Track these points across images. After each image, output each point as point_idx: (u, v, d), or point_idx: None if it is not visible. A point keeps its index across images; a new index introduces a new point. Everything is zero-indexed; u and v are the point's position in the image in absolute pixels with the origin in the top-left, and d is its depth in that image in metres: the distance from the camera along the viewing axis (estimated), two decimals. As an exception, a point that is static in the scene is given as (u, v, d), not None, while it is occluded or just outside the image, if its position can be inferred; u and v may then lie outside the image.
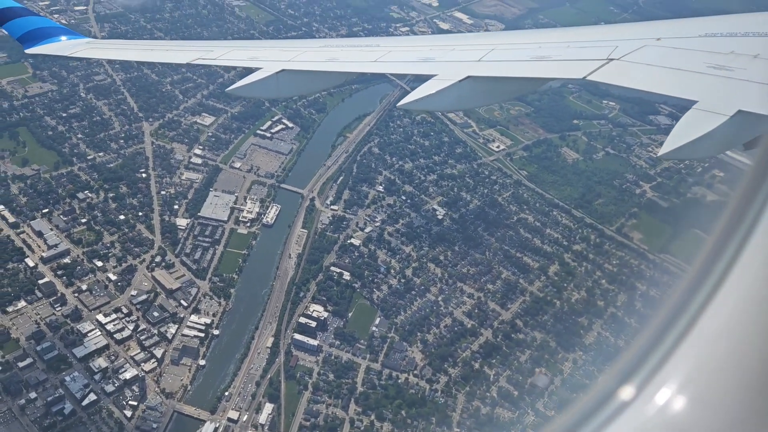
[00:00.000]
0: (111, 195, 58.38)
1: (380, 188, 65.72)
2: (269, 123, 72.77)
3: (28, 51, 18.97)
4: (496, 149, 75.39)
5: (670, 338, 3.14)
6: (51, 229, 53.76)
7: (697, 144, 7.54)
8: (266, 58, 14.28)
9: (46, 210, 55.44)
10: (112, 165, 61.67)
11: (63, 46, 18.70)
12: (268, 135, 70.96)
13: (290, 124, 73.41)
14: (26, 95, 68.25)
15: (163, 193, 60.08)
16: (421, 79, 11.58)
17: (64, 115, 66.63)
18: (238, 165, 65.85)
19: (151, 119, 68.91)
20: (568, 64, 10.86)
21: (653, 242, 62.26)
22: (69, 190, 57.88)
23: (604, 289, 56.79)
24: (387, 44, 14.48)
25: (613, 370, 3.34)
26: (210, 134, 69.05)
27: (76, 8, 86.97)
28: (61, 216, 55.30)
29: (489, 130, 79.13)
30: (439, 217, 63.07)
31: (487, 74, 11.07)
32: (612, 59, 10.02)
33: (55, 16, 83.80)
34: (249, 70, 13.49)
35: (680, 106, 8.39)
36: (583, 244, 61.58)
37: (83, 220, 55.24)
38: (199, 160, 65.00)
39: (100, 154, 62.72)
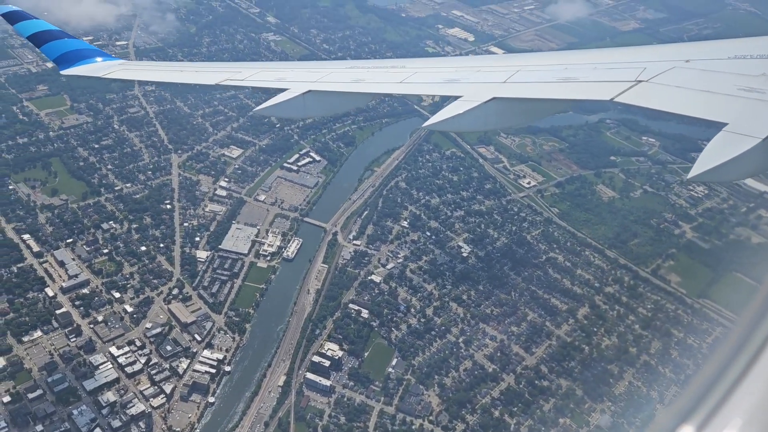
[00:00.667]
0: (135, 226, 58.61)
1: (405, 223, 64.34)
2: (296, 156, 72.65)
3: (64, 72, 19.51)
4: (527, 185, 73.31)
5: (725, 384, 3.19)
6: (73, 259, 54.11)
7: (727, 167, 7.35)
8: (293, 79, 14.37)
9: (71, 240, 55.94)
10: (138, 196, 62.15)
11: (97, 68, 19.25)
12: (295, 168, 70.73)
13: (317, 158, 73.10)
14: (62, 126, 69.93)
15: (185, 224, 60.05)
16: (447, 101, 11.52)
17: (97, 146, 67.87)
18: (262, 198, 65.58)
19: (180, 151, 69.58)
20: (595, 85, 10.70)
21: (692, 286, 58.75)
22: (94, 220, 58.41)
23: (637, 334, 53.54)
24: (413, 66, 14.39)
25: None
26: (237, 167, 69.21)
27: (117, 43, 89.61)
28: (84, 246, 55.67)
29: (520, 166, 77.19)
30: (464, 254, 61.15)
31: (512, 96, 10.99)
32: (640, 81, 9.91)
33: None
34: (277, 91, 13.66)
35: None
36: (615, 286, 58.58)
37: (105, 251, 55.47)
38: (223, 193, 65.03)
39: (128, 185, 63.36)
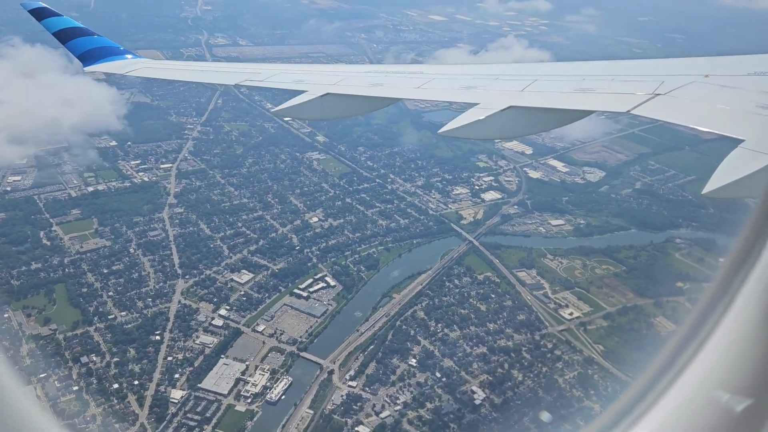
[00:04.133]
0: (116, 359, 54.80)
1: (413, 362, 56.32)
2: (310, 281, 67.63)
3: (88, 69, 19.77)
4: (569, 317, 63.52)
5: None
6: (38, 397, 50.56)
7: (743, 183, 7.18)
8: (312, 81, 14.45)
9: (44, 375, 52.76)
10: (130, 326, 58.89)
11: (120, 65, 19.62)
12: (305, 295, 65.45)
13: (333, 283, 67.63)
14: (79, 251, 69.61)
15: (170, 358, 55.51)
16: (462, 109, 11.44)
17: (106, 271, 66.45)
18: (261, 328, 60.31)
19: (188, 276, 66.71)
20: (612, 97, 10.66)
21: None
22: (75, 353, 55.28)
23: None
24: (431, 71, 14.41)
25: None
26: (242, 293, 65.00)
27: (162, 166, 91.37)
28: (56, 382, 52.12)
29: (564, 293, 67.71)
30: (477, 401, 51.81)
31: (529, 105, 10.89)
32: (658, 94, 9.84)
33: (141, 173, 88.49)
34: (295, 93, 13.68)
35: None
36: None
37: (75, 388, 51.60)
38: (220, 322, 60.49)
39: (123, 313, 60.50)
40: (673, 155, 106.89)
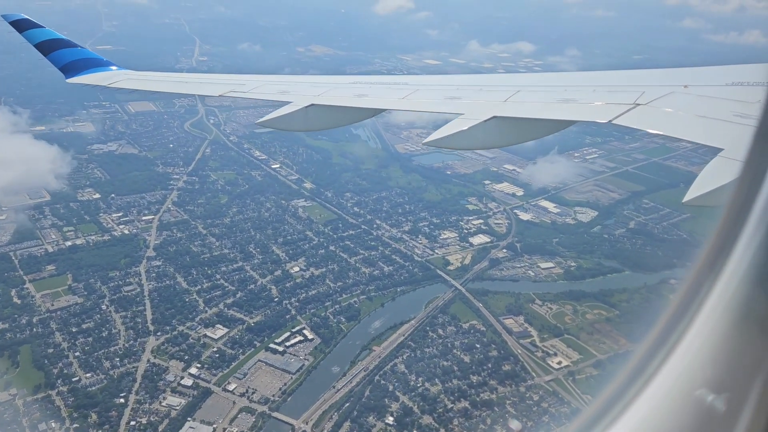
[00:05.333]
0: (76, 425, 52.02)
1: (390, 420, 53.29)
2: (287, 334, 65.00)
3: (70, 81, 19.24)
4: (557, 366, 60.47)
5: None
6: (-10, 469, 47.79)
7: (722, 191, 7.24)
8: (296, 92, 14.44)
9: (-2, 444, 50.12)
10: (94, 388, 56.18)
11: (102, 77, 19.18)
12: (281, 349, 62.76)
13: (310, 336, 64.94)
14: (50, 309, 67.37)
15: (133, 423, 52.66)
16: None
17: (75, 330, 64.10)
18: (232, 387, 57.47)
19: (159, 333, 64.23)
20: (594, 107, 10.85)
21: None
22: (33, 419, 52.52)
23: None
24: (415, 82, 14.45)
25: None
26: (215, 349, 62.35)
27: (144, 218, 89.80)
28: (10, 452, 49.49)
29: (553, 341, 64.82)
30: (456, 463, 48.61)
31: (512, 115, 11.01)
32: (638, 104, 9.98)
33: (121, 226, 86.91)
34: (280, 104, 13.54)
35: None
36: None
37: (29, 459, 48.85)
38: (189, 381, 57.72)
39: (88, 374, 57.88)
40: (667, 193, 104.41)
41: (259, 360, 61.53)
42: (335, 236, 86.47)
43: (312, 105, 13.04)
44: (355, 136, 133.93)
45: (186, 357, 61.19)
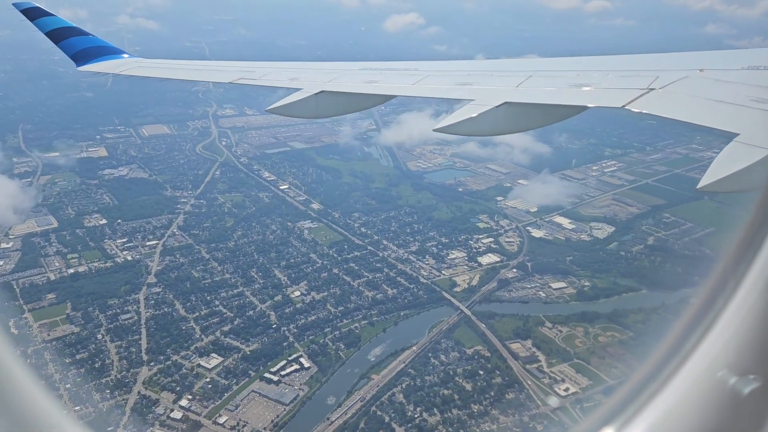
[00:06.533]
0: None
1: (383, 455, 50.58)
2: (283, 362, 62.82)
3: (81, 69, 19.65)
4: (564, 393, 57.09)
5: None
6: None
7: (738, 176, 7.11)
8: (306, 78, 14.14)
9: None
10: (80, 422, 54.62)
11: (113, 65, 19.48)
12: (276, 379, 60.55)
13: (307, 364, 62.65)
14: (45, 340, 66.41)
15: (117, 460, 50.98)
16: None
17: (68, 360, 62.87)
18: (223, 420, 55.37)
19: (153, 363, 62.58)
20: (607, 92, 10.54)
21: None
22: (17, 455, 51.09)
23: None
24: (426, 68, 14.11)
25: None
26: (208, 379, 60.43)
27: (148, 243, 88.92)
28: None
29: (561, 366, 61.42)
30: (451, 502, 45.58)
31: (524, 101, 10.79)
32: (652, 89, 9.73)
33: (125, 252, 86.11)
34: (290, 91, 13.44)
35: None
36: None
37: (9, 498, 47.15)
38: (179, 415, 55.79)
39: (77, 407, 56.32)
40: (690, 206, 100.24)
41: (253, 390, 59.37)
42: (339, 258, 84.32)
43: (322, 92, 12.92)
44: (367, 155, 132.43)
45: (178, 388, 59.35)
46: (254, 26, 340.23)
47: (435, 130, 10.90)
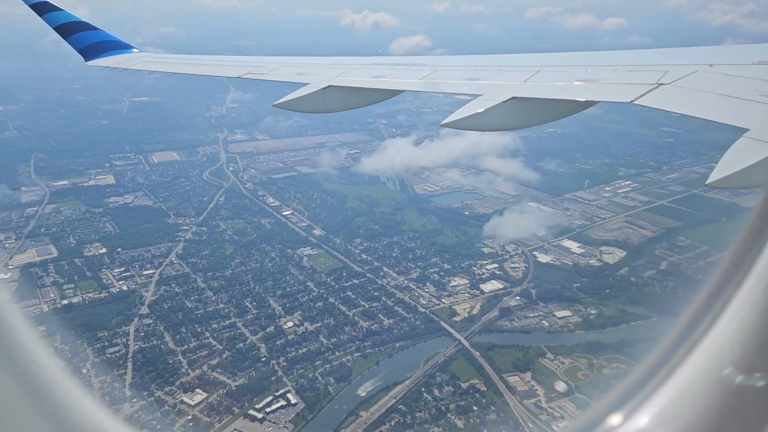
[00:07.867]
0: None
1: (365, 501, 47.60)
2: (270, 398, 60.35)
3: (89, 63, 19.74)
4: (560, 428, 53.54)
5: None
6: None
7: (747, 172, 6.98)
8: (314, 73, 14.06)
9: None
10: (55, 463, 52.75)
11: (121, 60, 19.57)
12: (260, 416, 58.06)
13: (294, 400, 60.09)
14: (30, 373, 65.00)
15: (88, 504, 48.65)
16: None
17: (50, 396, 61.23)
18: (201, 461, 53.13)
19: (135, 399, 60.66)
20: (615, 87, 10.50)
21: None
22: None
23: None
24: (433, 63, 14.07)
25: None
26: (190, 417, 58.23)
27: (145, 272, 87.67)
28: None
29: (561, 401, 57.99)
30: None
31: (531, 96, 10.70)
32: (661, 84, 9.70)
33: (121, 282, 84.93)
34: (297, 85, 13.47)
35: None
36: None
37: None
38: (156, 456, 53.73)
39: (53, 447, 54.55)
40: (707, 228, 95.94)
41: (235, 429, 56.98)
42: (337, 286, 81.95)
43: (329, 87, 12.85)
44: (374, 178, 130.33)
45: (158, 427, 57.23)
46: (273, 51, 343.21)
47: (442, 125, 10.84)
